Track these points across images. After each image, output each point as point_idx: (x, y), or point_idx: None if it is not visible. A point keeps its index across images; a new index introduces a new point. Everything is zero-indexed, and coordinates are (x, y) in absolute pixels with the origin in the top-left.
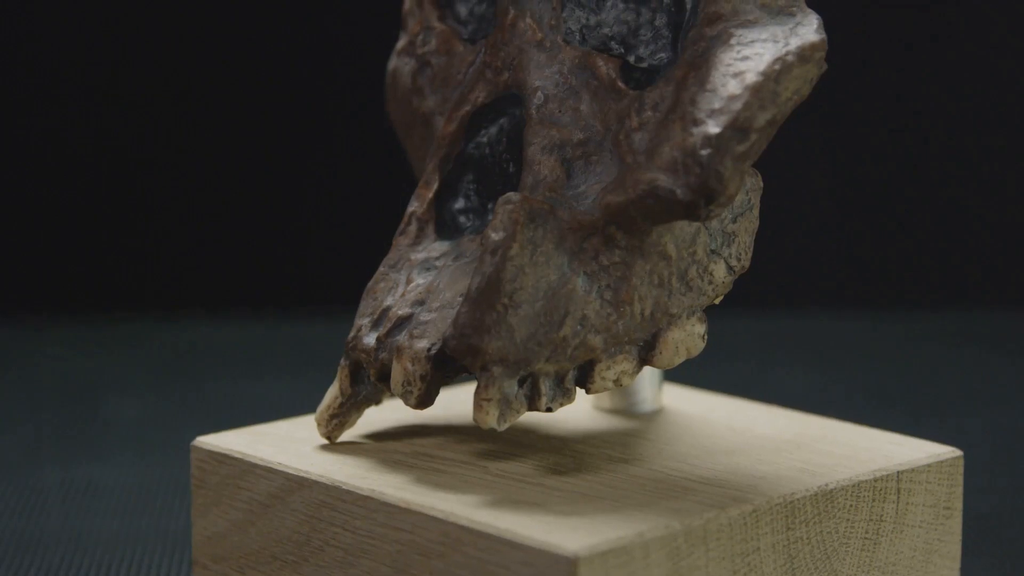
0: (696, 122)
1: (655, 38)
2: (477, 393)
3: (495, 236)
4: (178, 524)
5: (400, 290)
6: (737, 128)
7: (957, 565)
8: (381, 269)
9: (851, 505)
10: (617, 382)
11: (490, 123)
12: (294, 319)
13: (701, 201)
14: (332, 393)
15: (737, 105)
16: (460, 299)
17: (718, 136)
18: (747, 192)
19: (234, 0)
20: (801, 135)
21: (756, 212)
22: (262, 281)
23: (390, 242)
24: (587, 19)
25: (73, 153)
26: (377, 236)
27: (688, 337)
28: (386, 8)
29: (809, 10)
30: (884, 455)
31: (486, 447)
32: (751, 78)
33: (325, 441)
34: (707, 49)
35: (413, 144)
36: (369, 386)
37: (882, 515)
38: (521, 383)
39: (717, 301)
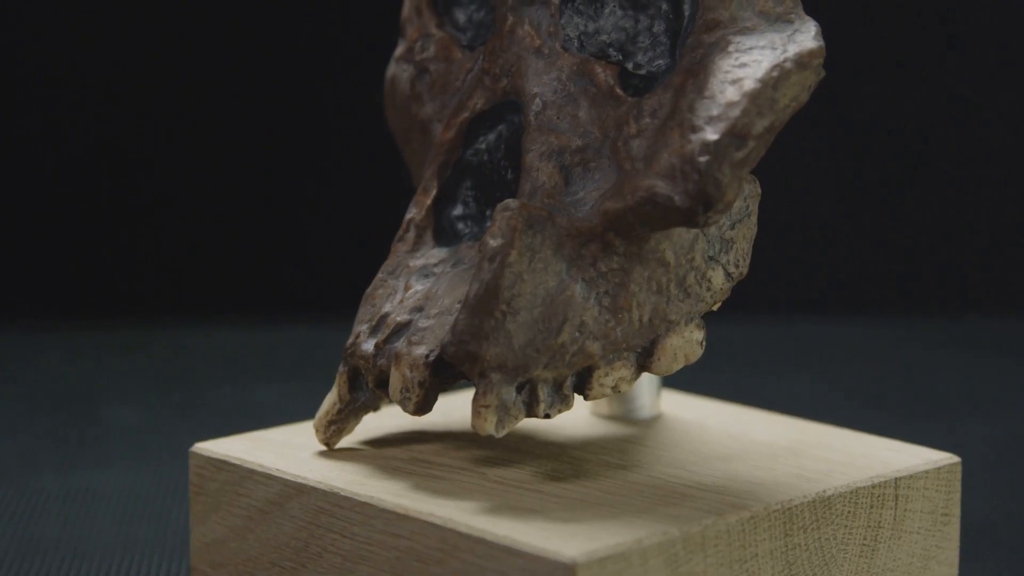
0: (694, 129)
1: (653, 45)
2: (475, 400)
3: (493, 243)
4: (177, 530)
5: (398, 296)
6: (735, 135)
7: (955, 571)
8: (379, 275)
9: (849, 511)
10: (615, 388)
11: (488, 130)
12: (292, 325)
13: (699, 208)
14: (330, 399)
15: (735, 112)
16: (458, 306)
17: (716, 143)
18: (745, 199)
19: (233, 7)
20: (799, 142)
21: (754, 219)
22: (261, 287)
23: (388, 248)
24: (585, 26)
25: (72, 159)
26: (375, 242)
27: (686, 343)
28: (385, 15)
29: (807, 17)
30: (882, 462)
31: (484, 453)
32: (749, 85)
33: (323, 447)
34: (705, 56)
35: (412, 150)
36: (367, 392)
37: (880, 521)
38: (519, 389)
39: (715, 308)
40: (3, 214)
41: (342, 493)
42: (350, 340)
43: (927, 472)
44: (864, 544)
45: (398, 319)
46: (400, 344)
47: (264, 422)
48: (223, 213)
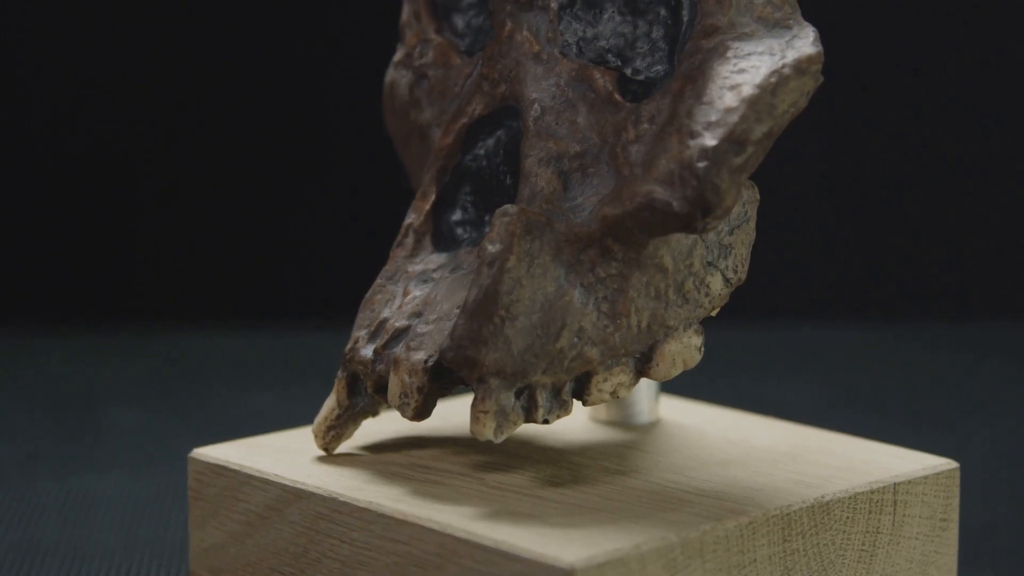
0: (693, 134)
1: (652, 51)
2: (474, 405)
3: (492, 248)
4: (175, 535)
5: (397, 302)
6: (734, 141)
7: None
8: (378, 281)
9: (847, 517)
10: (614, 394)
11: (487, 135)
12: (291, 330)
13: (698, 213)
14: (329, 405)
15: (734, 118)
16: (457, 311)
17: (715, 149)
18: (744, 204)
19: (231, 12)
20: (797, 147)
21: (753, 224)
22: (260, 292)
23: (387, 254)
24: (584, 32)
25: (72, 162)
26: (374, 248)
27: (685, 349)
28: (383, 20)
29: (806, 23)
30: (880, 467)
31: (483, 459)
32: (748, 91)
33: (322, 453)
34: (704, 62)
35: (410, 156)
36: (366, 398)
37: (878, 527)
38: (518, 395)
39: (714, 313)
40: (2, 217)
41: (341, 498)
42: (349, 345)
43: (926, 478)
44: (863, 549)
45: (397, 324)
46: (399, 349)
47: (263, 427)
48: (222, 218)
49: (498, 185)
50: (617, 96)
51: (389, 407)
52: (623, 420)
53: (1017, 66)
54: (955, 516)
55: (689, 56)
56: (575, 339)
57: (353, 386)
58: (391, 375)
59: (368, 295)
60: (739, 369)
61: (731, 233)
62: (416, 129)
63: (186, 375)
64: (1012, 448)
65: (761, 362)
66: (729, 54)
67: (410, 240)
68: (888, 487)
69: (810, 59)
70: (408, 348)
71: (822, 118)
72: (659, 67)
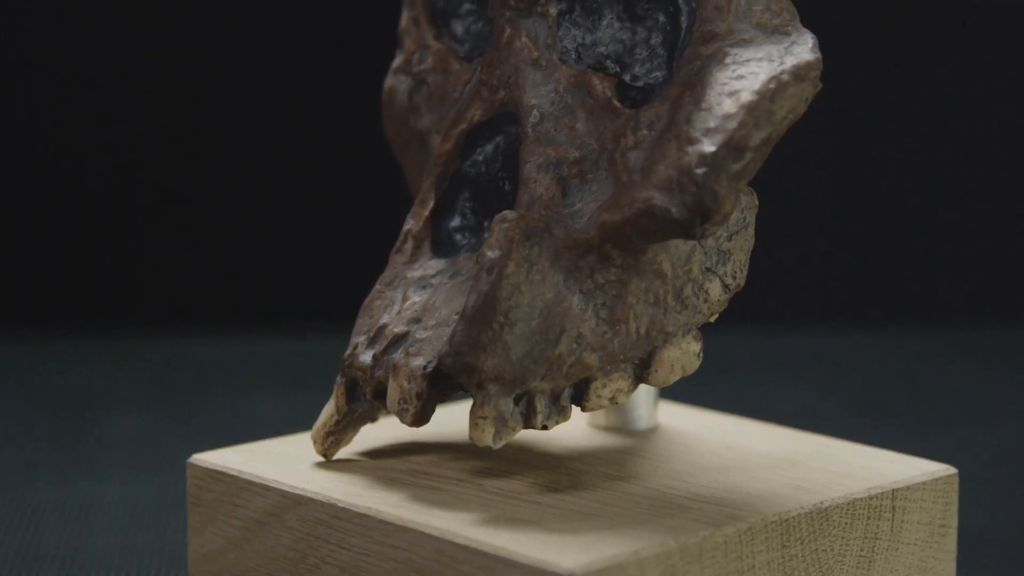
0: (691, 141)
1: (650, 57)
2: (473, 411)
3: (491, 254)
4: (174, 541)
5: (396, 308)
6: (732, 147)
7: None
8: (377, 287)
9: (846, 523)
10: (613, 400)
11: (486, 141)
12: (290, 336)
13: (696, 219)
14: (328, 411)
15: (732, 124)
16: (456, 317)
17: (713, 155)
18: (742, 210)
19: (228, 18)
20: (796, 153)
21: (751, 230)
22: (258, 298)
23: (386, 260)
24: (583, 38)
25: (70, 168)
26: (373, 254)
27: (684, 355)
28: (383, 26)
29: (804, 29)
30: (879, 473)
31: (482, 465)
32: (746, 97)
33: (321, 459)
34: (702, 68)
35: (409, 162)
36: (365, 404)
37: (877, 533)
38: (517, 401)
39: (712, 319)
40: (2, 222)
41: (340, 504)
42: (348, 351)
43: (924, 484)
44: (861, 555)
45: (396, 330)
46: (398, 355)
47: (262, 433)
48: (221, 224)
49: (497, 191)
50: (616, 102)
51: (388, 413)
52: (622, 426)
53: (1018, 71)
54: (953, 522)
55: (688, 62)
56: (574, 345)
57: (352, 392)
58: (390, 381)
59: (367, 301)
60: (738, 375)
61: (730, 239)
62: (415, 135)
63: (185, 381)
64: (1011, 454)
65: (760, 368)
66: (728, 60)
67: (409, 246)
68: (887, 493)
69: (809, 65)
70: (407, 354)
71: (821, 124)
72: (658, 73)
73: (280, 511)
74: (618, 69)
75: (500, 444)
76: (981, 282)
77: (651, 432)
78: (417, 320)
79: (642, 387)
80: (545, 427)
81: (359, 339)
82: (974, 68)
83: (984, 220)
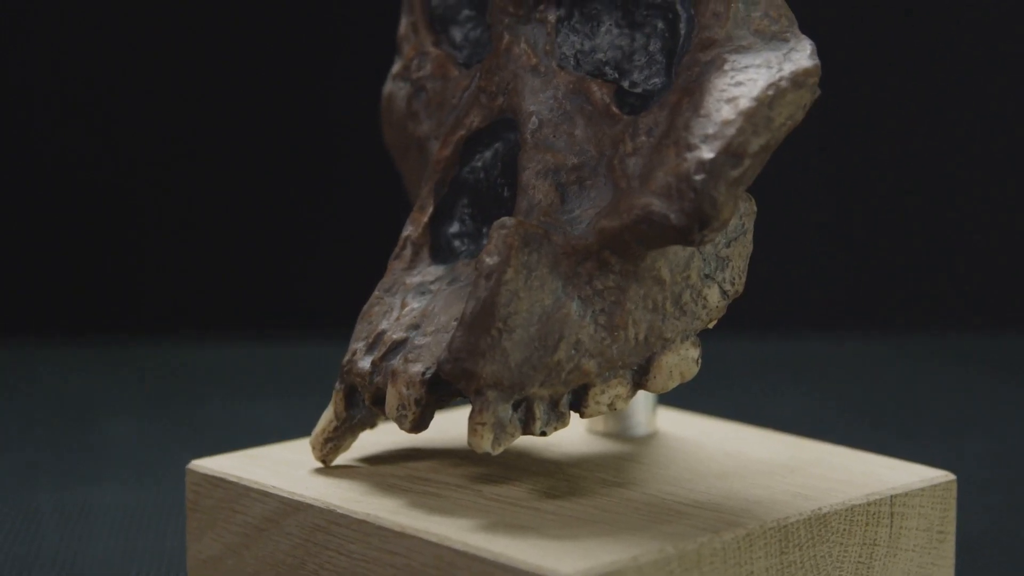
0: (690, 147)
1: (649, 63)
2: (471, 417)
3: (490, 260)
4: (173, 547)
5: (395, 314)
6: (731, 153)
7: None
8: (376, 293)
9: (844, 529)
10: (611, 406)
11: (485, 147)
12: (289, 342)
13: (695, 226)
14: (327, 417)
15: (731, 130)
16: (455, 323)
17: (712, 161)
18: (741, 217)
19: (228, 22)
20: (794, 160)
21: (750, 236)
22: (257, 304)
23: (385, 266)
24: (581, 44)
25: (69, 173)
26: (372, 260)
27: (682, 361)
28: (381, 33)
29: (803, 36)
30: (877, 479)
31: (480, 471)
32: (745, 104)
33: (320, 465)
34: (701, 74)
35: (408, 168)
36: (364, 410)
37: (875, 539)
38: (516, 407)
39: (711, 326)
40: (1, 228)
41: (339, 510)
42: (346, 357)
43: (923, 490)
44: (860, 561)
45: (395, 337)
46: (396, 362)
47: (261, 439)
48: (221, 229)
49: (496, 197)
50: (614, 109)
51: (387, 419)
52: (620, 432)
53: (1018, 75)
54: (952, 528)
55: (686, 69)
56: (572, 351)
57: (351, 398)
58: (389, 387)
59: (366, 307)
60: (736, 381)
61: (728, 245)
62: (414, 141)
63: (184, 386)
64: (1009, 460)
65: (759, 374)
66: (726, 67)
67: (408, 252)
68: (885, 499)
69: (807, 72)
70: (406, 360)
71: (819, 130)
72: (656, 80)
73: (279, 517)
74: (617, 75)
75: (499, 450)
76: (979, 287)
77: (650, 438)
78: (416, 326)
79: (641, 393)
80: (544, 433)
81: (358, 345)
82: (973, 73)
83: (982, 225)
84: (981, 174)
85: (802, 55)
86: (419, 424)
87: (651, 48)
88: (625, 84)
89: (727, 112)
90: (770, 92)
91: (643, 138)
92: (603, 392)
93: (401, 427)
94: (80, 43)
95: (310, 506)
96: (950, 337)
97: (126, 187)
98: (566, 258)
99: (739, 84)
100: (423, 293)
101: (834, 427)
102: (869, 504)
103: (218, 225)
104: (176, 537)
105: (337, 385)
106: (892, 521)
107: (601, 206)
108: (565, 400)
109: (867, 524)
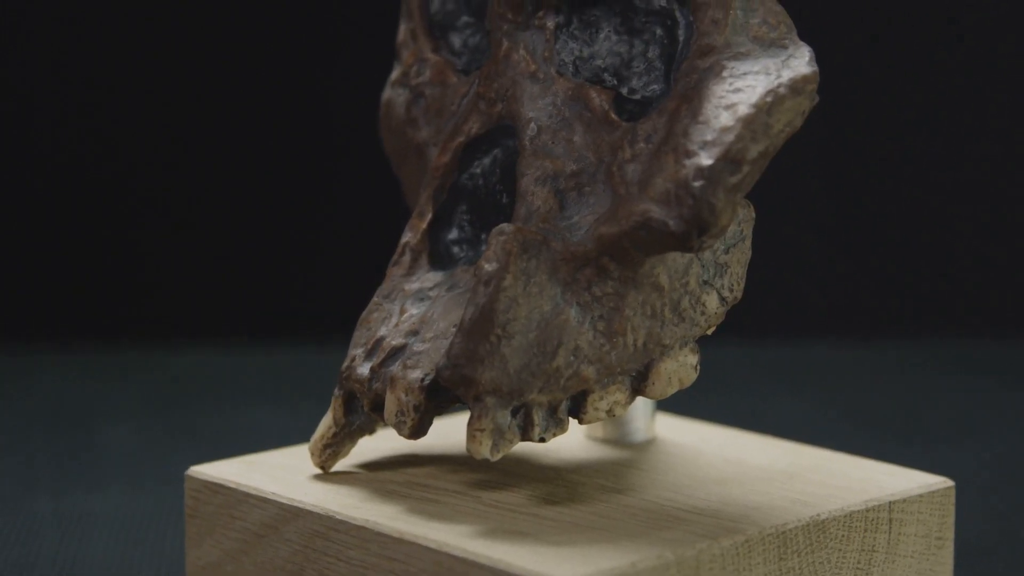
0: (689, 154)
1: (648, 70)
2: (470, 423)
3: (488, 267)
4: (172, 553)
5: (394, 320)
6: (729, 160)
7: None
8: (375, 299)
9: (843, 535)
10: (610, 412)
11: (484, 154)
12: (288, 348)
13: (694, 232)
14: (326, 423)
15: (729, 137)
16: (454, 329)
17: (710, 168)
18: (739, 223)
19: (225, 32)
20: (792, 165)
21: (748, 243)
22: (256, 310)
23: (384, 272)
24: (580, 51)
25: (67, 179)
26: (371, 266)
27: (681, 368)
28: (381, 38)
29: (801, 43)
30: (876, 485)
31: (479, 477)
32: (743, 110)
33: (319, 471)
34: (699, 81)
35: (407, 174)
36: (363, 416)
37: (874, 545)
38: (514, 413)
39: (710, 332)
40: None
41: (337, 517)
42: (345, 364)
43: (921, 496)
44: (858, 568)
45: (393, 343)
46: (395, 368)
47: (259, 445)
48: (220, 236)
49: (494, 204)
50: (613, 115)
51: (385, 425)
52: (619, 438)
53: (1017, 80)
54: (950, 534)
55: (685, 76)
56: (571, 358)
57: (350, 404)
58: (387, 393)
59: (365, 313)
60: (735, 387)
61: (727, 252)
62: (413, 148)
63: (183, 393)
64: (1008, 466)
65: (757, 380)
66: (725, 74)
67: (407, 259)
68: (883, 505)
69: (805, 79)
70: (405, 366)
71: (817, 136)
72: (655, 86)
73: (278, 523)
74: (615, 82)
75: (497, 456)
76: (978, 294)
77: (648, 444)
78: (415, 332)
79: (639, 399)
80: (542, 439)
81: (357, 351)
82: (972, 78)
83: (980, 231)
84: (978, 180)
85: (801, 62)
86: (418, 430)
87: (650, 55)
88: (624, 91)
89: (726, 119)
90: (768, 99)
91: (642, 145)
92: (602, 398)
93: (400, 433)
94: (80, 44)
95: (309, 512)
96: (949, 343)
97: (124, 194)
98: (565, 264)
99: (738, 91)
100: (422, 299)
101: (833, 433)
102: (868, 510)
103: (217, 231)
104: (175, 543)
105: (336, 391)
106: (891, 527)
107: (600, 212)
108: (564, 406)
109: (866, 530)
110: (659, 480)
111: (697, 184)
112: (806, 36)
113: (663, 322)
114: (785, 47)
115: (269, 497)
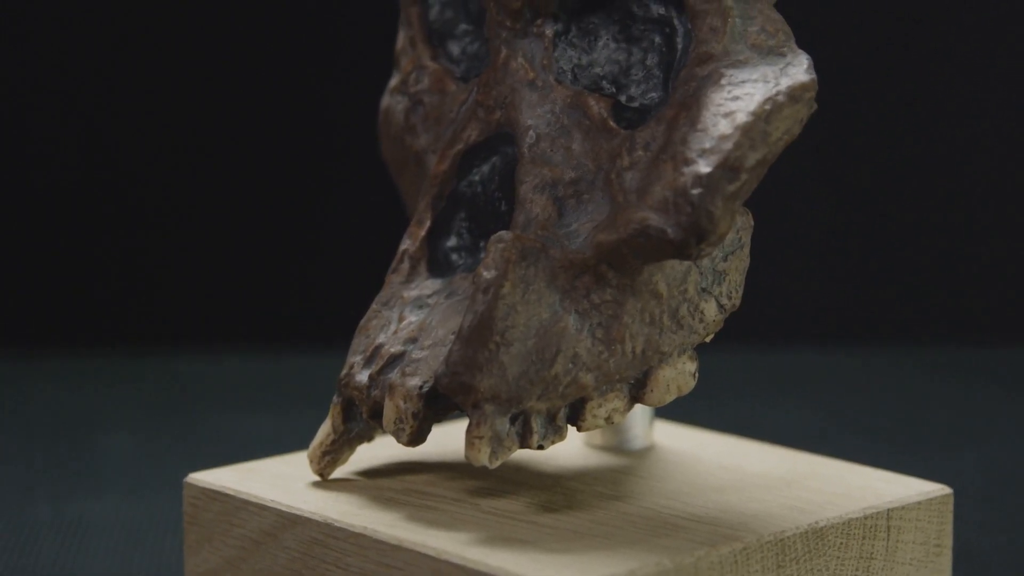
0: (687, 162)
1: (646, 78)
2: (469, 431)
3: (487, 274)
4: (171, 561)
5: (392, 328)
6: (728, 168)
7: None
8: (373, 307)
9: (841, 543)
10: (608, 420)
11: (482, 161)
12: (286, 355)
13: (692, 240)
14: (324, 430)
15: (728, 145)
16: (452, 337)
17: (709, 176)
18: (738, 231)
19: (226, 37)
20: (791, 174)
21: (747, 250)
22: (255, 317)
23: (383, 279)
24: (579, 59)
25: (67, 186)
26: (370, 273)
27: (679, 375)
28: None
29: (799, 50)
30: (874, 493)
31: (478, 484)
32: (742, 118)
33: (317, 478)
34: (698, 89)
35: (406, 182)
36: (361, 423)
37: (872, 553)
38: (513, 421)
39: (708, 339)
40: None
41: (336, 524)
42: (344, 371)
43: (919, 503)
44: (856, 575)
45: (392, 350)
46: (394, 375)
47: (258, 452)
48: (219, 243)
49: (493, 211)
50: (612, 123)
51: (384, 432)
52: (617, 446)
53: (1017, 85)
54: (948, 542)
55: (683, 83)
56: (570, 365)
57: (348, 411)
58: (386, 401)
59: (363, 321)
60: (733, 395)
61: (725, 259)
62: (412, 155)
63: (181, 400)
64: (1006, 474)
65: (755, 388)
66: (723, 81)
67: (405, 266)
68: (882, 513)
69: (804, 87)
70: (403, 374)
71: (815, 143)
72: (654, 94)
73: (276, 531)
74: (614, 90)
75: (496, 464)
76: (976, 301)
77: (646, 452)
78: (413, 340)
79: (638, 407)
80: (541, 447)
81: (355, 359)
82: (972, 85)
83: (979, 239)
84: (976, 187)
85: (799, 69)
86: (416, 437)
87: (648, 62)
88: (622, 98)
89: (724, 127)
90: (767, 107)
91: (640, 152)
92: (600, 406)
93: (398, 440)
94: (81, 46)
95: (308, 519)
96: (948, 350)
97: (124, 201)
98: (563, 272)
99: (736, 99)
100: (421, 307)
101: (831, 440)
102: (866, 518)
103: (216, 239)
104: (174, 550)
105: (335, 398)
106: (889, 535)
107: (598, 220)
108: (562, 414)
109: (864, 538)
110: (657, 487)
111: (695, 192)
112: (804, 44)
113: (661, 329)
114: (783, 55)
115: (268, 504)
